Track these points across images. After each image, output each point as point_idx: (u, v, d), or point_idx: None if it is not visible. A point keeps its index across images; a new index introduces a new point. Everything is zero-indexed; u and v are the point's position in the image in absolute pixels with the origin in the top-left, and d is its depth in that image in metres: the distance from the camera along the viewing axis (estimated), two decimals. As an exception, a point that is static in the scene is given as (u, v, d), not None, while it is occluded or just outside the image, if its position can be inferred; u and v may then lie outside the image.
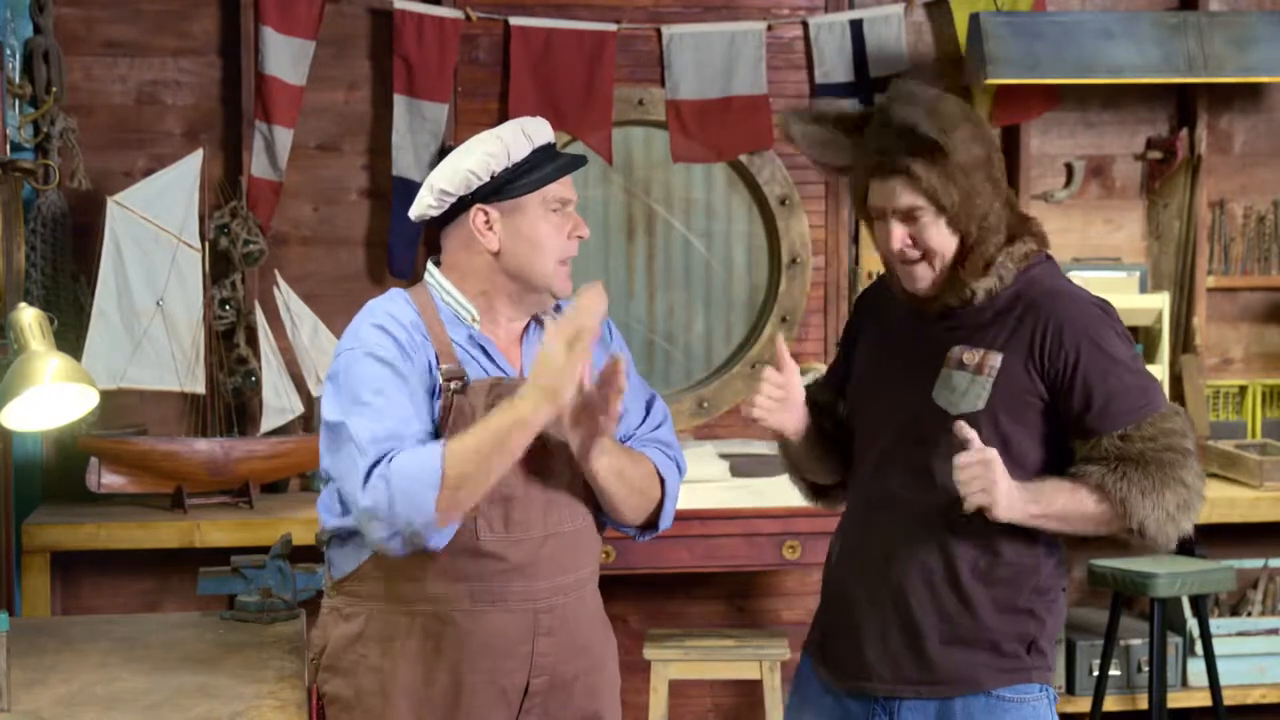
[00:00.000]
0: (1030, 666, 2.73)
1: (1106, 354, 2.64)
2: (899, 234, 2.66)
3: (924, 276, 2.69)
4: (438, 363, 2.67)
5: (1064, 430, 2.69)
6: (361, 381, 2.61)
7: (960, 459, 2.58)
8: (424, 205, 2.74)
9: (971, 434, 2.59)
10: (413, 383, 2.63)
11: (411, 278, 4.82)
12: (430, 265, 2.80)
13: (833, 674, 2.79)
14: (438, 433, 2.64)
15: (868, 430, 2.82)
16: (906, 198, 2.63)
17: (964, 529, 2.68)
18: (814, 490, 3.02)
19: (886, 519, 2.73)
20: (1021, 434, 2.68)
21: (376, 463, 2.54)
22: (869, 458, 2.80)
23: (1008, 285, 2.69)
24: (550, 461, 2.71)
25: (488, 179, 2.68)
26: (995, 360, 2.67)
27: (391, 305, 2.73)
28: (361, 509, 2.54)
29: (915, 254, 2.67)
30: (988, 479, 2.57)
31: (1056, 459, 2.71)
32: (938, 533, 2.69)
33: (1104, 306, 2.71)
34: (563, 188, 2.73)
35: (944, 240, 2.66)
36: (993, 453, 2.58)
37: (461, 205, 2.71)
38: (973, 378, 2.67)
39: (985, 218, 2.65)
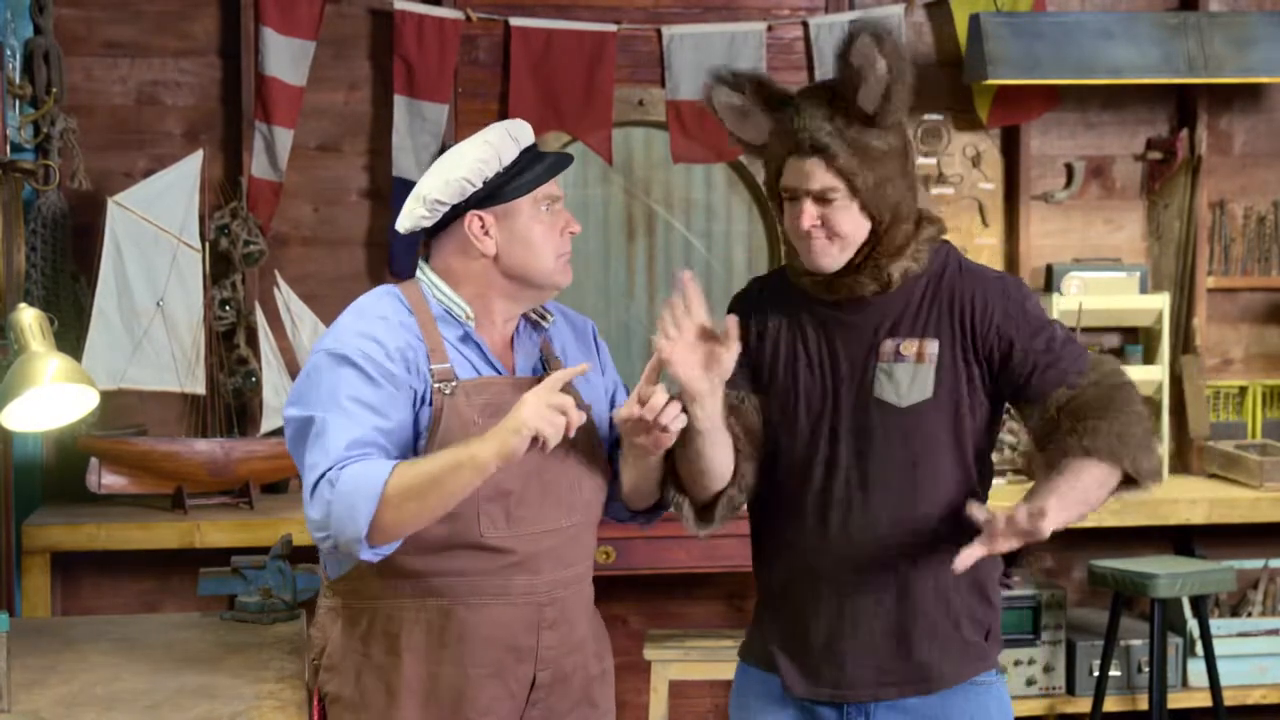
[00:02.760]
0: (991, 653, 2.76)
1: (1032, 319, 2.68)
2: (810, 214, 2.65)
3: (829, 254, 2.67)
4: (429, 361, 2.68)
5: (1000, 406, 2.73)
6: (340, 385, 2.61)
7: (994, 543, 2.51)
8: (415, 217, 2.73)
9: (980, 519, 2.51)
10: (390, 392, 2.63)
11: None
12: (422, 263, 2.80)
13: (807, 684, 2.75)
14: (419, 431, 2.65)
15: (802, 439, 2.73)
16: (822, 178, 2.63)
17: (932, 525, 2.67)
18: (699, 513, 2.76)
19: (849, 524, 2.69)
20: (967, 414, 2.69)
21: (331, 469, 2.55)
22: (812, 467, 2.72)
23: (922, 268, 2.71)
24: (549, 459, 2.71)
25: (481, 185, 2.69)
26: (933, 347, 2.67)
27: (381, 305, 2.73)
28: (306, 513, 2.57)
29: (824, 234, 2.66)
30: (1021, 513, 2.50)
31: (990, 447, 2.75)
32: (906, 531, 2.67)
33: (1015, 278, 2.78)
34: (551, 186, 2.74)
35: (855, 224, 2.66)
36: (1006, 518, 2.48)
37: (454, 213, 2.71)
38: (915, 367, 2.67)
39: (897, 205, 2.66)
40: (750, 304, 2.84)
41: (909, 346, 2.68)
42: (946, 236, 2.80)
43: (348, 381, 2.61)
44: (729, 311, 2.77)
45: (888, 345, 2.69)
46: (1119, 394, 2.65)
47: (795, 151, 2.65)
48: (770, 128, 2.71)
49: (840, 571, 2.71)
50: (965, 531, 2.56)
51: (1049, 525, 2.46)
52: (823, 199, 2.64)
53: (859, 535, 2.69)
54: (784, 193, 2.70)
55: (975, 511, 2.50)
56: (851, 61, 2.59)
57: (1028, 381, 2.67)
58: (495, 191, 2.69)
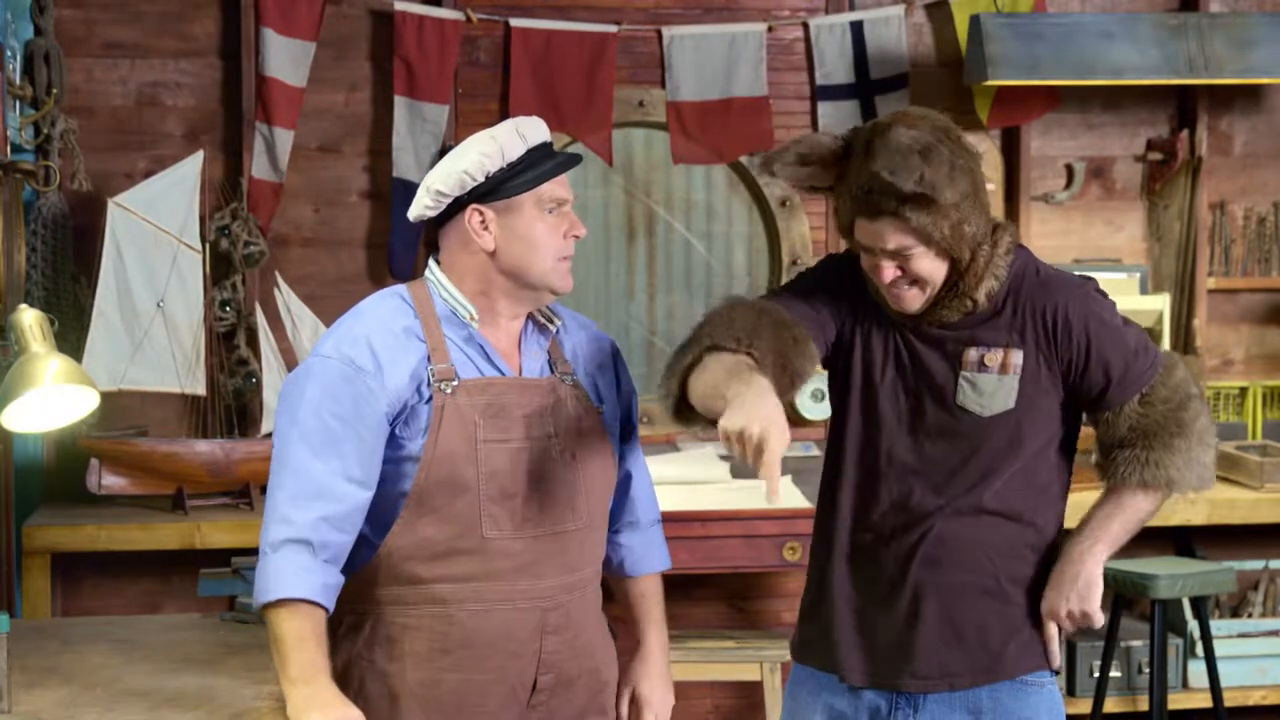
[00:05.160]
0: (1048, 651, 2.79)
1: (1110, 326, 2.73)
2: (889, 269, 2.67)
3: (915, 300, 2.71)
4: (430, 362, 2.67)
5: (1077, 412, 2.78)
6: (321, 399, 2.62)
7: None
8: (421, 206, 2.74)
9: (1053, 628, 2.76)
10: (366, 409, 2.63)
11: (411, 279, 4.82)
12: (431, 262, 2.80)
13: (865, 674, 2.79)
14: (422, 429, 2.65)
15: (881, 440, 2.78)
16: (896, 239, 2.64)
17: (1001, 527, 2.73)
18: (681, 404, 2.71)
19: (919, 523, 2.73)
20: (1039, 427, 2.74)
21: (271, 540, 2.59)
22: (889, 468, 2.77)
23: (1005, 283, 2.73)
24: (554, 462, 2.72)
25: (482, 179, 2.68)
26: (1017, 358, 2.71)
27: (382, 309, 2.73)
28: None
29: (906, 283, 2.69)
30: (1075, 601, 2.73)
31: (1064, 449, 2.80)
32: (974, 531, 2.72)
33: (1092, 280, 2.80)
34: (558, 187, 2.73)
35: (935, 268, 2.68)
36: (1052, 606, 2.75)
37: (457, 205, 2.71)
38: (999, 379, 2.71)
39: (974, 237, 2.68)
40: (849, 274, 2.82)
41: (993, 358, 2.71)
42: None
43: (328, 394, 2.62)
44: (830, 265, 2.85)
45: (972, 354, 2.72)
46: (1185, 414, 2.73)
47: (865, 213, 2.65)
48: (835, 173, 2.72)
49: (905, 567, 2.75)
50: (1031, 530, 2.75)
51: (1096, 614, 2.73)
52: (899, 254, 2.66)
53: (927, 534, 2.73)
54: (858, 247, 2.71)
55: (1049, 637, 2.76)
56: (884, 183, 2.59)
57: (1103, 393, 2.73)
58: (497, 187, 2.69)
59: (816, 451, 5.11)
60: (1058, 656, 2.77)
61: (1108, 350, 2.71)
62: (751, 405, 2.40)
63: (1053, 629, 2.74)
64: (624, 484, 2.94)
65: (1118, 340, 2.73)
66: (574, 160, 2.76)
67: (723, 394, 2.47)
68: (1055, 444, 2.77)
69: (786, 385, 2.65)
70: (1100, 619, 2.74)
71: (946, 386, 2.73)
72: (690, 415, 2.66)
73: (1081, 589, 2.72)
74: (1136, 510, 2.77)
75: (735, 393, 2.45)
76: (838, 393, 2.85)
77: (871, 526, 2.79)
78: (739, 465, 4.92)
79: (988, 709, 2.75)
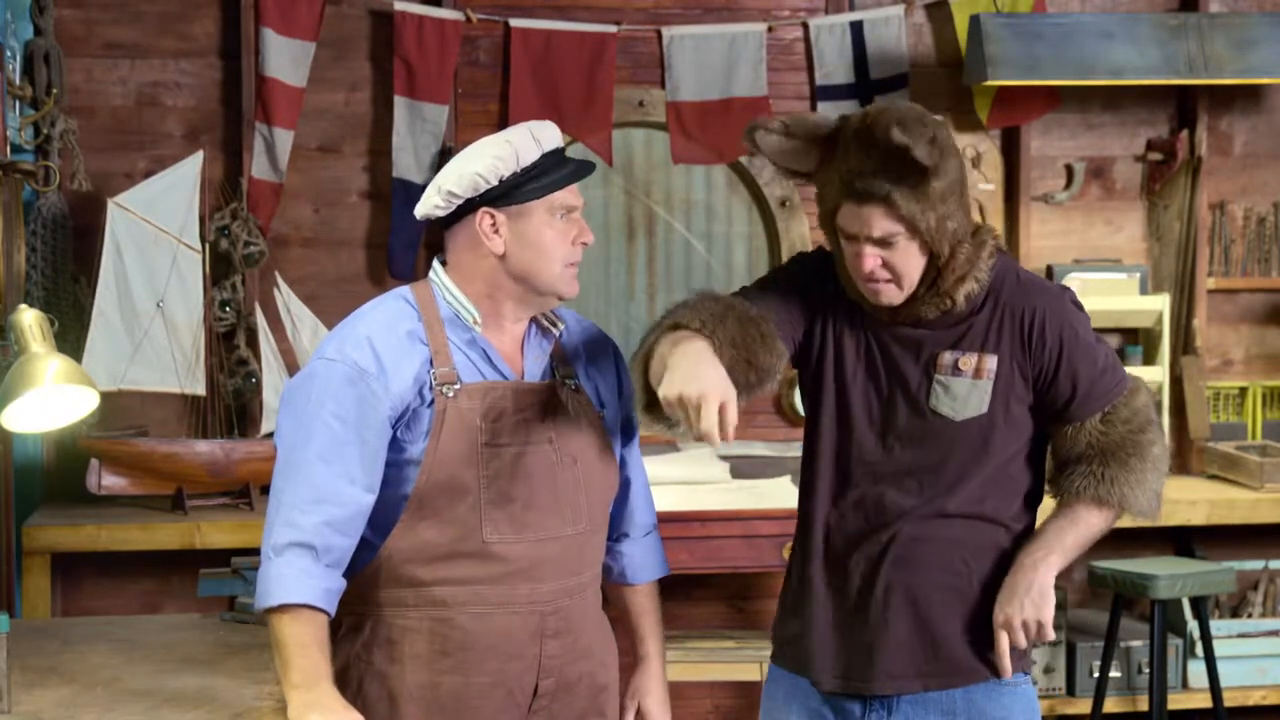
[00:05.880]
0: (1023, 653, 2.78)
1: (1083, 340, 2.73)
2: (871, 259, 2.64)
3: (892, 295, 2.69)
4: (432, 365, 2.67)
5: (1041, 422, 2.76)
6: (326, 399, 2.62)
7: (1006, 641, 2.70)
8: (430, 205, 2.73)
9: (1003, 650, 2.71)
10: (370, 410, 2.63)
11: (411, 280, 4.82)
12: (435, 264, 2.79)
13: (835, 678, 2.79)
14: (424, 433, 2.65)
15: (854, 441, 2.77)
16: (883, 225, 2.61)
17: (974, 529, 2.73)
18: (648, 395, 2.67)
19: (890, 525, 2.73)
20: (1011, 433, 2.73)
21: (275, 542, 2.58)
22: (861, 469, 2.77)
23: (984, 286, 2.72)
24: (555, 466, 2.72)
25: (495, 183, 2.67)
26: (991, 363, 2.70)
27: (386, 312, 2.72)
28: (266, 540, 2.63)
29: (885, 275, 2.67)
30: (1030, 609, 2.69)
31: (1036, 453, 2.79)
32: (947, 533, 2.72)
33: (1070, 291, 2.80)
34: (569, 195, 2.72)
35: (915, 262, 2.66)
36: (1006, 615, 2.70)
37: (468, 207, 2.70)
38: (973, 383, 2.70)
39: (955, 234, 2.66)
40: (820, 272, 2.81)
41: (967, 361, 2.71)
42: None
43: (332, 396, 2.62)
44: (801, 264, 2.83)
45: (946, 358, 2.72)
46: (1144, 438, 2.73)
47: (853, 198, 2.62)
48: (819, 157, 2.70)
49: (876, 567, 2.74)
50: (1004, 532, 2.74)
51: (1050, 625, 2.69)
52: (883, 242, 2.63)
53: (898, 535, 2.73)
54: (841, 232, 2.68)
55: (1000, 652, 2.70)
56: (894, 142, 2.56)
57: (1067, 405, 2.72)
58: (510, 191, 2.68)
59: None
60: (1008, 668, 2.71)
61: (1077, 362, 2.71)
62: (688, 369, 2.45)
63: (1004, 639, 2.69)
64: (623, 490, 2.93)
65: (1088, 354, 2.72)
66: (587, 168, 2.74)
67: (665, 364, 2.52)
68: (1027, 450, 2.76)
69: (753, 381, 2.68)
70: (1052, 633, 2.70)
71: (919, 389, 2.72)
72: (659, 410, 2.60)
73: (1035, 597, 2.68)
74: (1089, 525, 2.76)
75: (674, 361, 2.50)
76: (810, 393, 2.84)
77: (844, 529, 2.78)
78: (739, 465, 4.92)
79: (962, 710, 2.75)
